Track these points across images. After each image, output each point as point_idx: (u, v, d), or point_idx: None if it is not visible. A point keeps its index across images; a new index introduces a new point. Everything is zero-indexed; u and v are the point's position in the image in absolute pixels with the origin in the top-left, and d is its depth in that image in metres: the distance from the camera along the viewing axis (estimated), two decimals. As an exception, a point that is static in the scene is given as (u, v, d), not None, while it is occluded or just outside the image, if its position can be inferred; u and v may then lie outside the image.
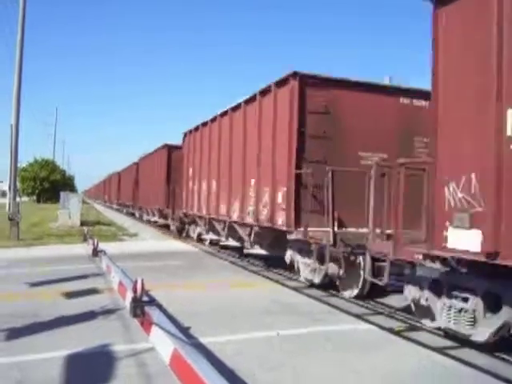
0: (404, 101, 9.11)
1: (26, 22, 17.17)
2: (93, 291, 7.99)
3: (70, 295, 7.64)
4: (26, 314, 6.40)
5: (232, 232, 12.05)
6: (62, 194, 24.83)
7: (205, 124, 14.10)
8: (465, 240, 4.70)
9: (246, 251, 11.18)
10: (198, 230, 15.77)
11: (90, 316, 6.39)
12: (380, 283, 6.58)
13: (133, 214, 31.89)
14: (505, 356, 5.10)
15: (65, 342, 5.27)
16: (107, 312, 6.57)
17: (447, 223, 4.94)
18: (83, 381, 4.31)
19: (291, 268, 9.49)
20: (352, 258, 7.66)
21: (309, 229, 8.07)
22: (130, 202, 31.05)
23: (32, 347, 5.09)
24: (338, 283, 8.17)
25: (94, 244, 12.64)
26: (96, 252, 12.21)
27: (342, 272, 7.79)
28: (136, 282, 5.78)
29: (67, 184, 78.80)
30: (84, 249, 13.74)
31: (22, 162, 62.28)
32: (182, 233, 18.03)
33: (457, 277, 5.16)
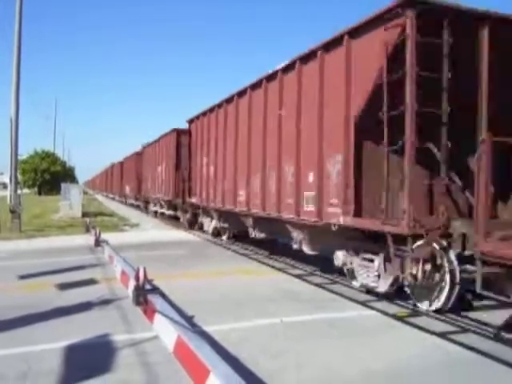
0: None
1: (23, 11, 17.09)
2: (95, 281, 8.03)
3: (71, 286, 7.66)
4: (28, 305, 6.41)
5: (168, 205, 20.34)
6: (63, 186, 24.81)
7: (149, 144, 24.16)
8: (195, 199, 14.73)
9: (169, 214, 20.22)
10: (152, 206, 23.89)
11: (92, 306, 6.43)
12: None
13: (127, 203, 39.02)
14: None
15: (67, 331, 5.30)
16: (106, 302, 6.60)
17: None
18: (88, 370, 4.32)
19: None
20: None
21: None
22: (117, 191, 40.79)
23: (36, 338, 5.12)
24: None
25: (95, 234, 12.66)
26: (98, 242, 12.24)
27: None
28: (138, 270, 5.78)
29: (68, 175, 78.77)
30: (86, 239, 13.77)
31: (23, 155, 62.36)
32: (147, 209, 25.53)
33: None
